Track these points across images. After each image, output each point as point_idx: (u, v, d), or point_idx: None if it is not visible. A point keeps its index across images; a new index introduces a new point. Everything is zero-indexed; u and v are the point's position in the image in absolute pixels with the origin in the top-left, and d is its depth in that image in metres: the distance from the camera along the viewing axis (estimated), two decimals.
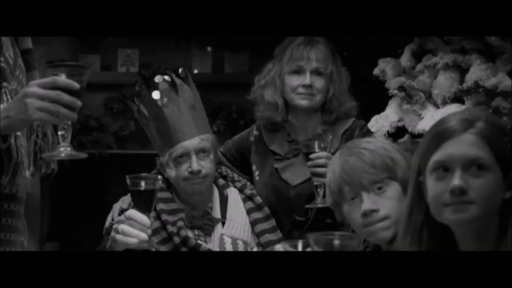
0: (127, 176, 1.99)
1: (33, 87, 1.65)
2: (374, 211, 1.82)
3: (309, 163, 2.33)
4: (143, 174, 2.03)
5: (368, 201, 1.83)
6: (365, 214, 1.82)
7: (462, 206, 1.46)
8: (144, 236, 1.98)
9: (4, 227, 1.81)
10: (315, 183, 2.32)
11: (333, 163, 1.93)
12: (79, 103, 1.67)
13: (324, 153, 2.32)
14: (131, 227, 1.98)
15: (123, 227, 1.99)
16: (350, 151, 1.89)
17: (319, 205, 2.31)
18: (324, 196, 2.20)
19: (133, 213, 1.99)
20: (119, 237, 1.99)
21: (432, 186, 1.51)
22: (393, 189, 1.84)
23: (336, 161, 1.91)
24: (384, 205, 1.83)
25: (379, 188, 1.84)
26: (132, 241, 1.98)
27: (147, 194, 1.99)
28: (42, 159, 1.90)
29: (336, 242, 1.45)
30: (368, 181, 1.83)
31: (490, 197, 1.46)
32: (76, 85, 1.66)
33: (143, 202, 2.00)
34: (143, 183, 1.98)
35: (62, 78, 1.65)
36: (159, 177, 2.04)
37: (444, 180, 1.48)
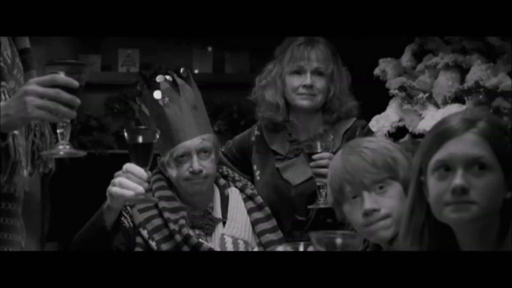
0: (124, 129, 1.98)
1: (33, 85, 1.65)
2: (375, 210, 1.82)
3: (312, 163, 2.33)
4: (141, 127, 2.01)
5: (369, 201, 1.83)
6: (366, 214, 1.82)
7: (463, 205, 1.46)
8: (140, 189, 1.97)
9: (2, 227, 1.81)
10: (318, 184, 2.32)
11: (334, 161, 1.93)
12: (78, 101, 1.67)
13: (326, 154, 2.32)
14: (128, 180, 1.98)
15: (120, 179, 1.98)
16: (352, 150, 1.89)
17: (322, 206, 2.31)
18: (326, 196, 2.20)
19: (131, 166, 1.98)
20: (115, 189, 1.99)
21: (434, 185, 1.51)
22: (395, 189, 1.84)
23: (337, 160, 1.90)
24: (385, 204, 1.83)
25: (381, 188, 1.84)
26: (129, 193, 1.97)
27: (145, 147, 1.97)
28: (40, 159, 1.89)
29: (338, 240, 1.45)
30: (369, 180, 1.83)
31: (492, 197, 1.47)
32: (75, 83, 1.66)
33: (140, 155, 1.98)
34: (140, 137, 1.96)
35: (61, 76, 1.65)
36: (157, 130, 2.02)
37: (446, 180, 1.48)
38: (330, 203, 1.97)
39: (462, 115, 1.54)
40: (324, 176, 2.22)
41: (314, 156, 2.33)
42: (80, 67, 1.71)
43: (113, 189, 1.99)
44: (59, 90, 1.64)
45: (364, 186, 1.84)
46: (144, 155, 1.98)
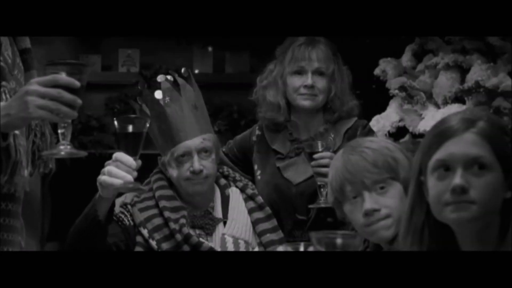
0: (114, 118, 1.96)
1: (34, 85, 1.65)
2: (375, 210, 1.82)
3: (313, 163, 2.33)
4: (132, 116, 2.00)
5: (369, 201, 1.83)
6: (367, 214, 1.82)
7: (463, 205, 1.46)
8: (129, 177, 1.97)
9: (2, 227, 1.81)
10: (319, 183, 2.32)
11: (335, 161, 1.93)
12: (79, 101, 1.67)
13: (327, 153, 2.32)
14: (117, 169, 1.98)
15: (109, 168, 1.98)
16: (353, 149, 1.89)
17: (323, 205, 2.31)
18: (327, 195, 2.20)
19: (120, 155, 1.98)
20: (104, 178, 1.99)
21: (433, 185, 1.51)
22: (395, 189, 1.84)
23: (338, 159, 1.90)
24: (386, 204, 1.83)
25: (381, 188, 1.84)
26: (118, 182, 1.97)
27: (135, 137, 1.96)
28: (40, 159, 1.89)
29: (338, 240, 1.45)
30: (370, 180, 1.83)
31: (491, 196, 1.47)
32: (76, 83, 1.66)
33: (130, 144, 1.97)
34: (131, 126, 1.95)
35: (63, 76, 1.65)
36: (148, 119, 2.01)
37: (445, 179, 1.48)
38: (330, 202, 1.97)
39: (462, 115, 1.54)
40: (325, 175, 2.22)
41: (315, 156, 2.33)
42: (81, 67, 1.71)
43: (102, 177, 2.00)
44: (61, 90, 1.64)
45: (365, 186, 1.84)
46: (134, 144, 1.97)
